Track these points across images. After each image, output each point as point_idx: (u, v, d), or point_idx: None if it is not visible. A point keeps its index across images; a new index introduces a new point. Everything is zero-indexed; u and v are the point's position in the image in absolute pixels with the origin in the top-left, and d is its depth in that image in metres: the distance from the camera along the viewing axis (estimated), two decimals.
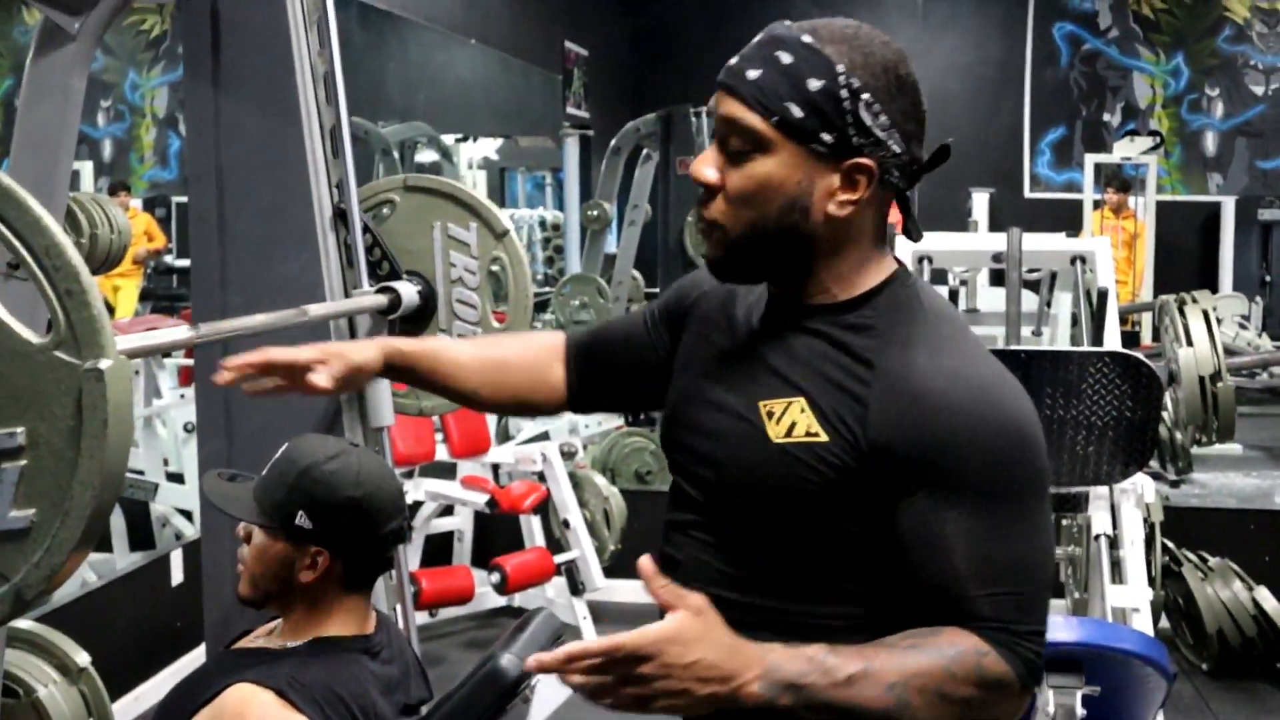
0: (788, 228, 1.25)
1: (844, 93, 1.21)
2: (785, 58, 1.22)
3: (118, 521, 4.54)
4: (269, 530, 1.78)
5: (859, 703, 1.13)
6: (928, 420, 1.20)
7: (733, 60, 1.27)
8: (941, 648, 1.16)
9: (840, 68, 1.21)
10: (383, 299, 2.32)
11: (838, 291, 1.29)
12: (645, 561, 1.18)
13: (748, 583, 1.30)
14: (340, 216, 2.39)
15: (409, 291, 2.37)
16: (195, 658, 3.72)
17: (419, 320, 2.44)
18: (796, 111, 1.21)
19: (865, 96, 1.22)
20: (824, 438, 1.23)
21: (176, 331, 1.62)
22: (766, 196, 1.24)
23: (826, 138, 1.22)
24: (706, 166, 1.27)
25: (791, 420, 1.25)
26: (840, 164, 1.23)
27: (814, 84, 1.21)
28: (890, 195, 1.30)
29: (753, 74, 1.23)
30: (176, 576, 4.08)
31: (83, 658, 2.73)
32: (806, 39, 1.23)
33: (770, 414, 1.26)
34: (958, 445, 1.19)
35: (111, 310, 8.30)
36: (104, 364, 1.11)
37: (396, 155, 7.87)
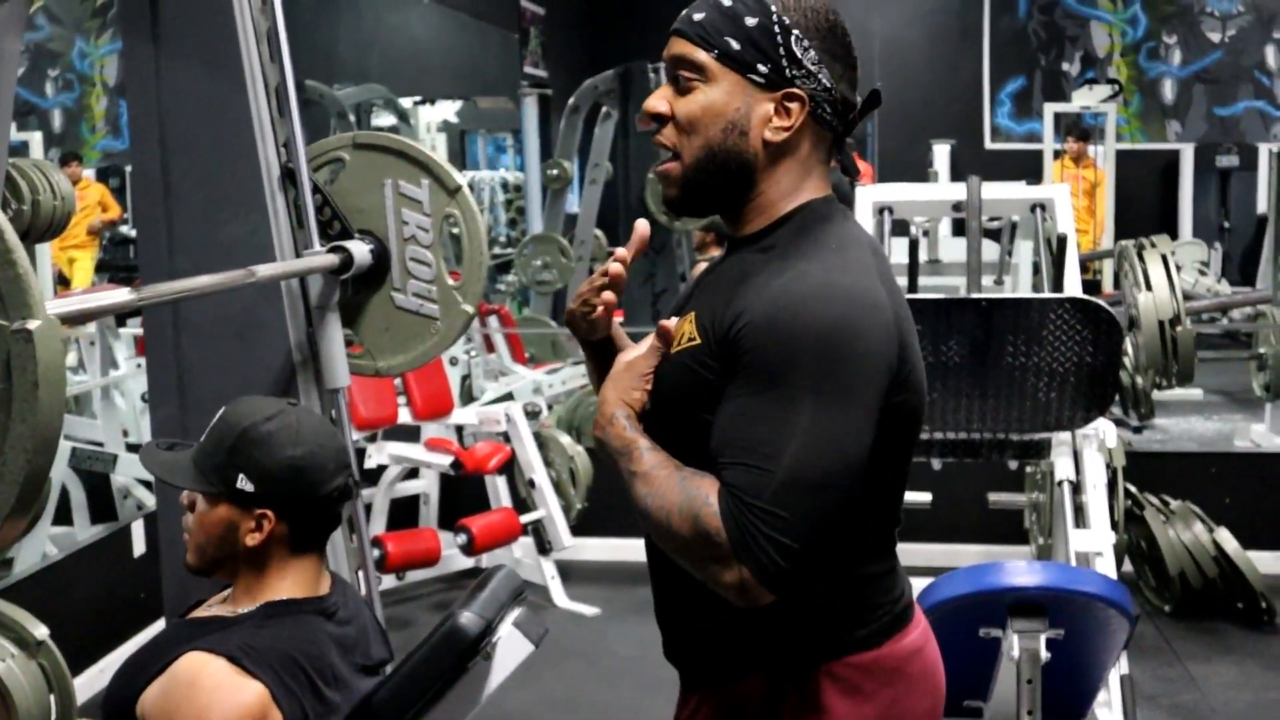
0: (729, 150, 1.40)
1: (776, 28, 1.38)
2: (725, 1, 1.40)
3: (78, 494, 4.50)
4: (210, 496, 1.74)
5: (633, 488, 1.37)
6: (757, 309, 1.32)
7: (684, 11, 1.43)
8: (692, 486, 1.32)
9: (774, 7, 1.38)
10: (334, 258, 2.29)
11: (764, 219, 1.43)
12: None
13: None
14: (289, 176, 2.34)
15: (361, 250, 2.33)
16: (158, 628, 3.70)
17: (372, 280, 2.40)
18: (735, 45, 1.38)
19: (795, 32, 1.38)
20: (698, 341, 1.38)
21: (116, 294, 1.58)
22: (710, 120, 1.40)
23: (762, 68, 1.38)
24: (657, 100, 1.44)
25: (683, 333, 1.41)
26: (775, 93, 1.39)
27: (750, 20, 1.38)
28: (827, 136, 1.44)
29: (697, 16, 1.41)
30: (138, 548, 4.04)
31: (41, 631, 2.68)
32: None
33: (676, 333, 1.42)
34: (769, 329, 1.30)
35: (67, 281, 8.19)
36: (32, 324, 1.07)
37: (353, 118, 7.77)
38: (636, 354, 1.42)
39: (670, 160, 1.43)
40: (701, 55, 1.39)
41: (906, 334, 1.38)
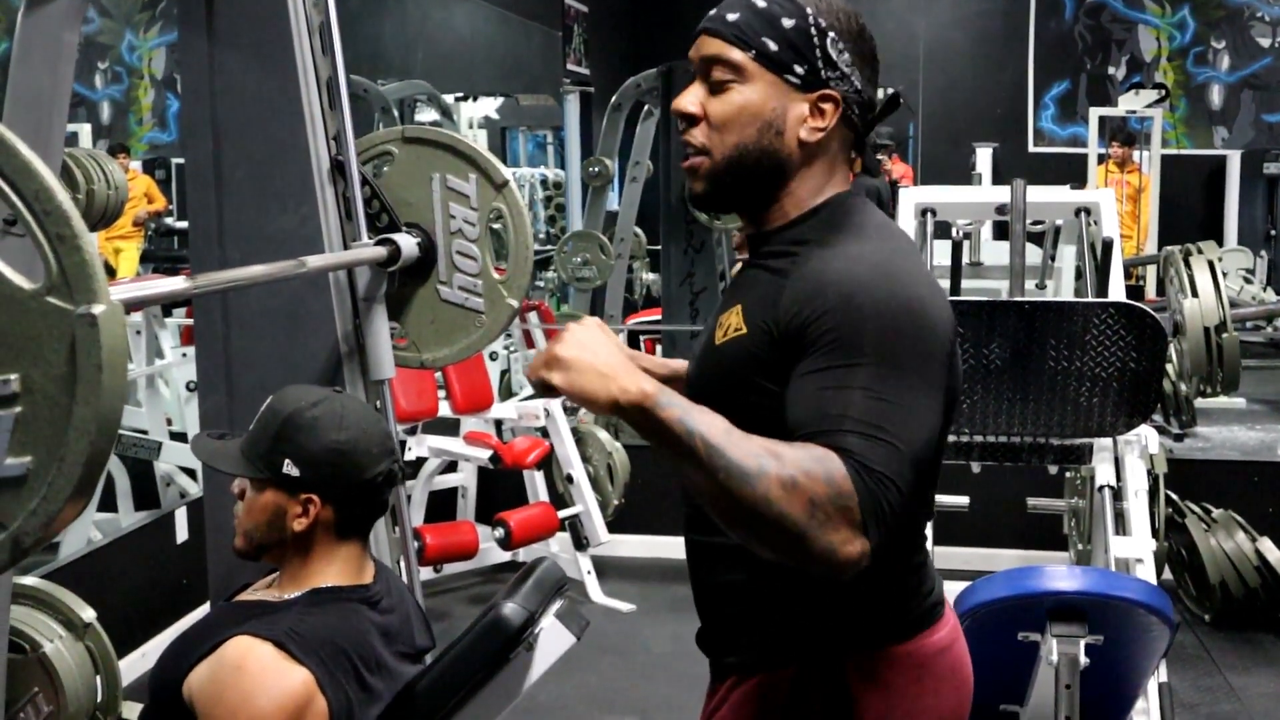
0: (765, 149, 1.41)
1: (813, 30, 1.39)
2: (760, 2, 1.40)
3: (122, 481, 4.55)
4: (258, 481, 1.78)
5: (727, 449, 1.20)
6: (823, 294, 1.31)
7: (712, 11, 1.43)
8: (808, 449, 1.22)
9: (809, 10, 1.40)
10: (382, 251, 2.31)
11: (790, 214, 1.44)
12: None
13: None
14: (338, 169, 2.37)
15: (408, 243, 2.36)
16: (201, 614, 3.74)
17: (419, 273, 2.42)
18: (772, 45, 1.39)
19: (831, 35, 1.40)
20: (744, 331, 1.38)
21: (172, 282, 1.60)
22: (745, 120, 1.40)
23: (799, 69, 1.39)
24: (687, 100, 1.43)
25: (729, 324, 1.41)
26: (810, 94, 1.40)
27: (787, 22, 1.39)
28: (850, 135, 1.45)
29: (732, 16, 1.41)
30: (181, 534, 4.09)
31: (88, 614, 2.73)
32: None
33: (722, 325, 1.43)
34: (844, 309, 1.29)
35: (113, 272, 8.29)
36: (97, 309, 1.09)
37: (396, 114, 7.82)
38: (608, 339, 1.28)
39: (698, 156, 1.43)
40: (738, 55, 1.39)
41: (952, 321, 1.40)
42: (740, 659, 1.48)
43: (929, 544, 3.16)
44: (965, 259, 4.92)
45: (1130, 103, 9.65)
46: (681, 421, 1.21)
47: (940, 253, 4.67)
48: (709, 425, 1.21)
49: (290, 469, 1.75)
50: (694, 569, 1.53)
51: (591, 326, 1.28)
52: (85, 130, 9.57)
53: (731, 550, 1.45)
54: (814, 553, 1.20)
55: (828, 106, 1.40)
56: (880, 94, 1.48)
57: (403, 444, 4.49)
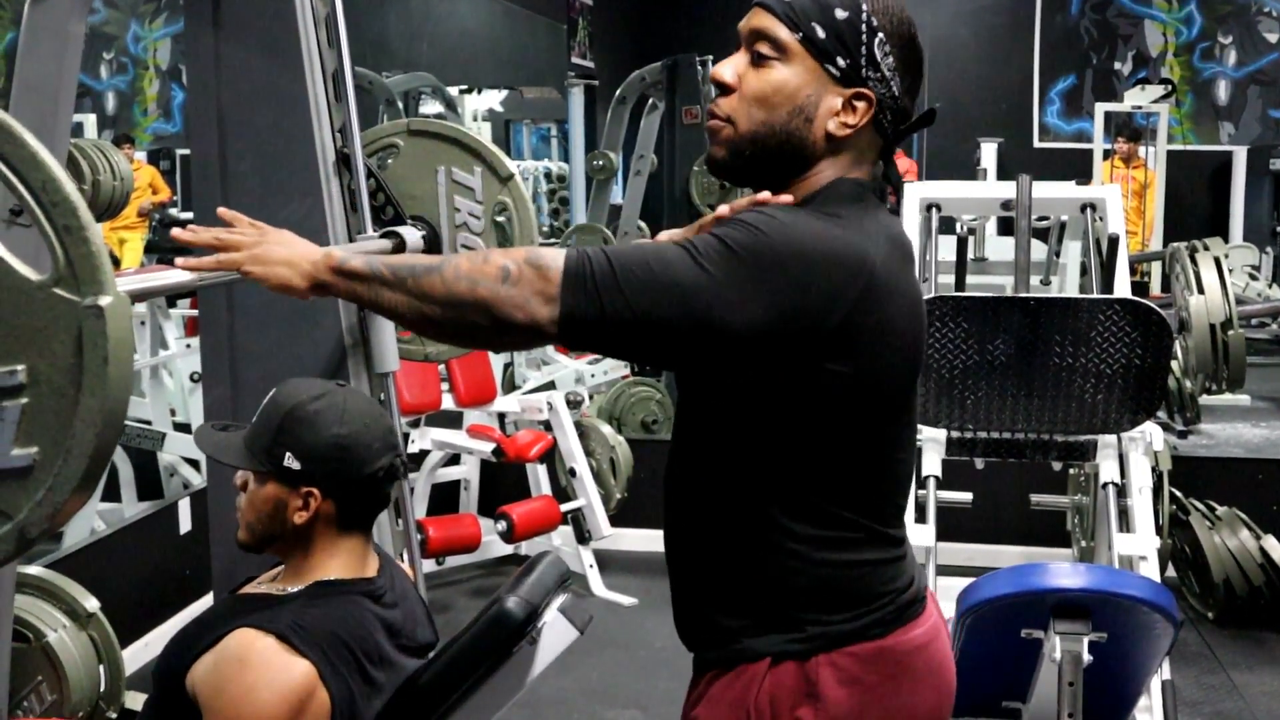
0: (791, 133, 1.41)
1: (864, 27, 1.39)
2: None
3: (125, 471, 4.56)
4: (259, 474, 1.78)
5: (407, 259, 1.36)
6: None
7: None
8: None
9: (865, 6, 1.39)
10: (387, 243, 2.30)
11: (799, 197, 1.43)
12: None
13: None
14: (343, 161, 2.37)
15: (413, 236, 2.35)
16: (203, 605, 3.74)
17: None
18: (820, 32, 1.38)
19: (880, 36, 1.39)
20: None
21: (178, 273, 1.60)
22: (778, 101, 1.40)
23: (841, 61, 1.39)
24: (726, 68, 1.43)
25: None
26: (846, 89, 1.40)
27: (840, 13, 1.39)
28: (879, 141, 1.44)
29: None
30: (184, 525, 4.09)
31: (92, 603, 2.74)
32: None
33: None
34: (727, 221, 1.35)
35: (118, 262, 8.29)
36: (104, 301, 1.10)
37: (401, 106, 7.82)
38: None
39: (721, 122, 1.43)
40: (785, 34, 1.39)
41: (876, 305, 1.34)
42: (714, 654, 1.48)
43: (930, 542, 3.17)
44: (970, 254, 4.92)
45: (1136, 98, 9.62)
46: (367, 263, 1.37)
47: (945, 248, 4.67)
48: (391, 256, 1.37)
49: (291, 462, 1.75)
50: (670, 562, 1.54)
51: (280, 231, 1.47)
52: (90, 120, 9.56)
53: (704, 542, 1.46)
54: (505, 311, 1.29)
55: (860, 105, 1.40)
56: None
57: (406, 437, 4.49)
